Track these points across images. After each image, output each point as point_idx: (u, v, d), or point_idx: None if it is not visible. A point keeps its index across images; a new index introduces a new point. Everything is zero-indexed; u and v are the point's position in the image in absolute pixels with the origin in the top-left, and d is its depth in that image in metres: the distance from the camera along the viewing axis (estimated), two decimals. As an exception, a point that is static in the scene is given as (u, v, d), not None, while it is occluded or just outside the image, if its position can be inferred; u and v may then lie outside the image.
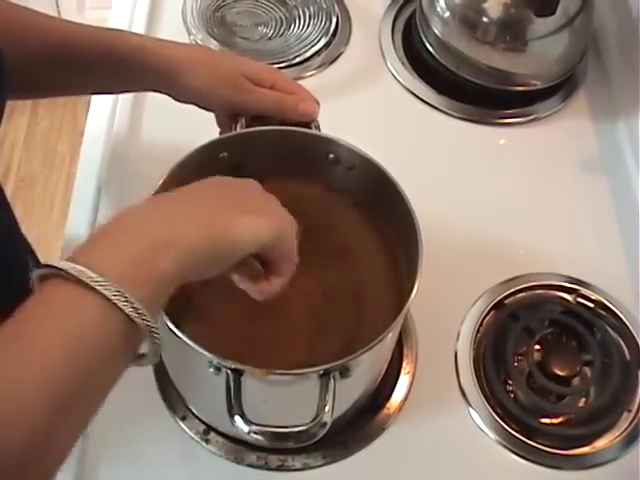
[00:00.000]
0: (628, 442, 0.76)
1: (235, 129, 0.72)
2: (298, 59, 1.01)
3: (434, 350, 0.80)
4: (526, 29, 0.95)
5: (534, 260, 0.87)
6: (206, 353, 0.56)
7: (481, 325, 0.81)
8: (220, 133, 0.76)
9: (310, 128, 0.73)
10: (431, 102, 1.00)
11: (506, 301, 0.83)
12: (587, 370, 0.79)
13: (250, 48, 1.01)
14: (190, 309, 0.68)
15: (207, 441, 0.73)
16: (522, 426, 0.75)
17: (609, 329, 0.82)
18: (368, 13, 1.09)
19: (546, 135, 0.99)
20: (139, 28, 1.01)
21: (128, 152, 0.91)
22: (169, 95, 0.75)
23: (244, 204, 0.55)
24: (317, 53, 1.03)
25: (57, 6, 2.15)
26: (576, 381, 0.78)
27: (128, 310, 0.43)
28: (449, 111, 0.99)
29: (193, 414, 0.74)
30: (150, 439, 0.73)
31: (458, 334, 0.81)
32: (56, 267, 0.43)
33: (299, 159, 0.72)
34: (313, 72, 1.01)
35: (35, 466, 0.41)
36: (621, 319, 0.82)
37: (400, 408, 0.76)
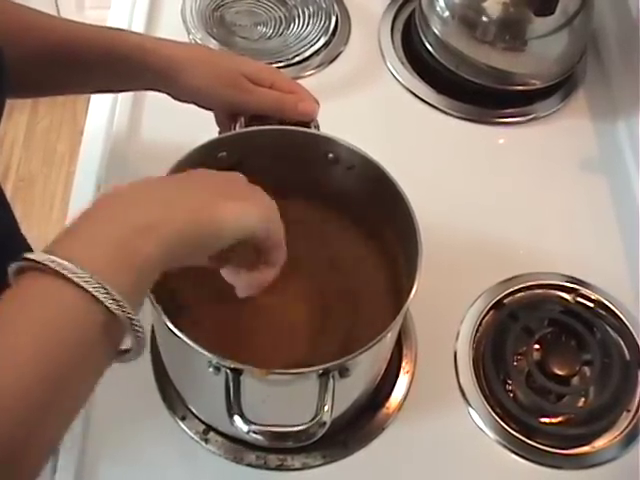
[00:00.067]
0: (628, 442, 0.76)
1: (234, 128, 0.72)
2: (297, 58, 1.01)
3: (433, 350, 0.80)
4: (525, 29, 0.95)
5: (533, 260, 0.87)
6: (206, 353, 0.56)
7: (480, 325, 0.81)
8: (219, 132, 0.76)
9: (309, 127, 0.73)
10: (430, 102, 1.00)
11: (505, 301, 0.83)
12: (587, 370, 0.79)
13: (249, 47, 1.01)
14: (189, 309, 0.68)
15: (207, 441, 0.73)
16: (522, 426, 0.76)
17: (609, 329, 0.82)
18: (367, 12, 1.09)
19: (545, 135, 0.99)
20: (138, 27, 1.01)
21: (128, 151, 0.91)
22: (168, 94, 0.75)
23: (228, 191, 0.54)
24: (316, 52, 1.03)
25: (56, 6, 2.15)
26: (576, 381, 0.78)
27: (108, 302, 0.42)
28: (448, 110, 0.99)
29: (193, 414, 0.74)
30: (150, 439, 0.73)
31: (457, 334, 0.81)
32: (32, 259, 0.42)
33: (298, 159, 0.72)
34: (312, 71, 1.01)
35: (17, 461, 0.40)
36: (621, 319, 0.82)
37: (399, 408, 0.76)
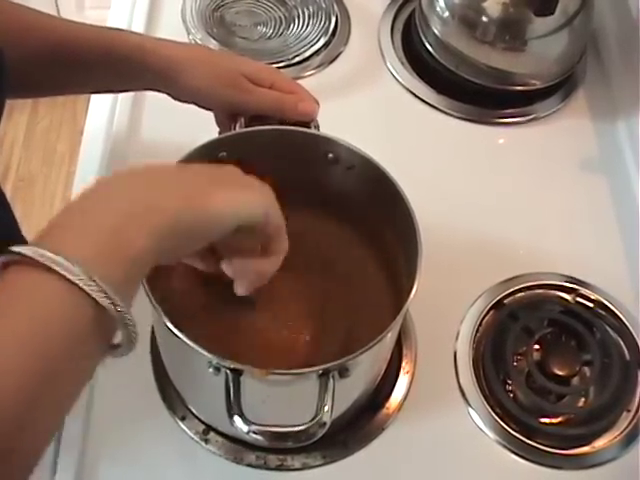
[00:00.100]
0: (627, 442, 0.76)
1: (234, 129, 0.72)
2: (297, 59, 1.01)
3: (433, 350, 0.80)
4: (525, 29, 0.95)
5: (533, 260, 0.87)
6: (205, 353, 0.56)
7: (480, 325, 0.81)
8: (219, 133, 0.76)
9: (309, 128, 0.73)
10: (430, 102, 1.00)
11: (505, 301, 0.83)
12: (586, 370, 0.79)
13: (249, 48, 1.01)
14: (189, 309, 0.68)
15: (206, 441, 0.73)
16: (521, 426, 0.75)
17: (608, 329, 0.82)
18: (367, 13, 1.09)
19: (545, 135, 0.99)
20: (138, 28, 1.01)
21: (128, 151, 0.91)
22: (168, 94, 0.75)
23: (224, 180, 0.53)
24: (316, 53, 1.03)
25: (56, 6, 2.15)
26: (575, 381, 0.78)
27: (97, 295, 0.41)
28: (448, 111, 0.99)
29: (192, 414, 0.74)
30: (150, 439, 0.73)
31: (457, 334, 0.81)
32: (19, 253, 0.41)
33: (298, 159, 0.72)
34: (312, 72, 1.01)
35: (8, 459, 0.40)
36: (620, 319, 0.82)
37: (399, 408, 0.76)
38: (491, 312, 0.82)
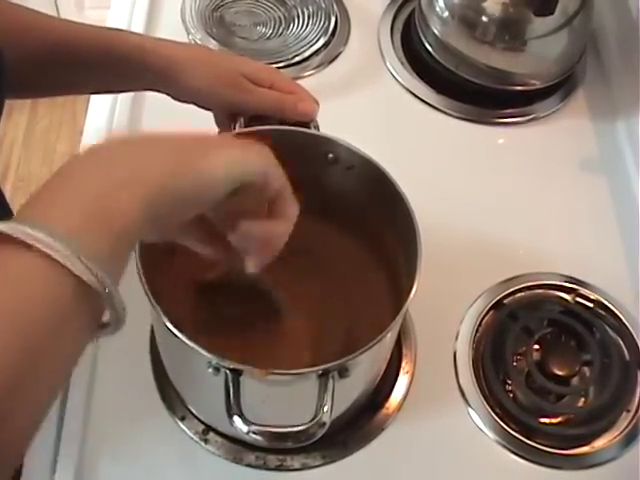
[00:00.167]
0: (627, 442, 0.76)
1: (234, 129, 0.72)
2: (297, 59, 1.01)
3: (433, 350, 0.80)
4: (525, 29, 0.95)
5: (533, 260, 0.87)
6: (205, 353, 0.56)
7: (480, 325, 0.81)
8: (219, 133, 0.76)
9: (309, 128, 0.73)
10: (430, 102, 1.00)
11: (505, 301, 0.83)
12: (586, 370, 0.79)
13: (249, 48, 1.01)
14: (189, 309, 0.68)
15: (206, 441, 0.73)
16: (521, 426, 0.75)
17: (608, 329, 0.82)
18: (367, 13, 1.09)
19: (545, 135, 0.99)
20: (138, 28, 1.01)
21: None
22: (168, 94, 0.75)
23: (216, 143, 0.51)
24: (316, 53, 1.03)
25: (56, 6, 2.15)
26: (575, 381, 0.78)
27: (79, 271, 0.39)
28: (448, 111, 0.99)
29: (192, 414, 0.74)
30: (149, 439, 0.73)
31: (457, 334, 0.81)
32: None
33: (298, 159, 0.72)
34: (312, 72, 1.01)
35: None
36: (620, 319, 0.82)
37: (399, 408, 0.76)
38: (491, 312, 0.82)
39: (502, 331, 0.80)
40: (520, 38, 0.96)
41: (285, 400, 0.66)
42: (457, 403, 0.77)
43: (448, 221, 0.87)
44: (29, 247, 0.38)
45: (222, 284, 0.72)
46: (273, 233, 0.55)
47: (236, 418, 0.57)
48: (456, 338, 0.80)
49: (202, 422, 0.73)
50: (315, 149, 0.71)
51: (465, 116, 0.99)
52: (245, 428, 0.57)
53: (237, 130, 0.72)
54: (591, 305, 0.83)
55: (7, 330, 0.38)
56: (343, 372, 0.59)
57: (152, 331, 0.76)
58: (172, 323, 0.57)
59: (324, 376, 0.58)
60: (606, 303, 0.83)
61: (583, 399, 0.78)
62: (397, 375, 0.77)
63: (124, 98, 0.94)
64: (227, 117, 0.74)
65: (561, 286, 0.84)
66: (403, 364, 0.78)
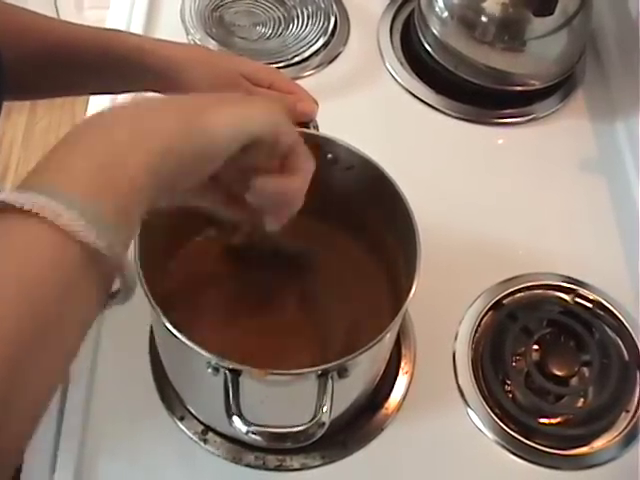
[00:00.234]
0: (626, 442, 0.76)
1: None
2: (296, 59, 1.01)
3: (432, 350, 0.80)
4: (524, 29, 0.95)
5: (532, 260, 0.87)
6: (204, 353, 0.56)
7: (479, 325, 0.81)
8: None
9: (308, 128, 0.73)
10: (429, 102, 1.00)
11: (504, 301, 0.83)
12: (585, 370, 0.79)
13: (248, 48, 1.01)
14: (189, 309, 0.68)
15: (205, 441, 0.73)
16: (520, 426, 0.75)
17: (607, 329, 0.82)
18: (366, 13, 1.09)
19: (544, 135, 0.99)
20: (137, 28, 1.00)
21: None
22: (167, 95, 0.74)
23: (225, 100, 0.50)
24: (315, 53, 1.03)
25: (55, 6, 2.15)
26: (574, 381, 0.78)
27: (89, 237, 0.38)
28: (447, 111, 0.99)
29: (191, 414, 0.74)
30: (148, 439, 0.73)
31: (456, 334, 0.81)
32: (1, 201, 0.38)
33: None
34: (311, 72, 1.01)
35: None
36: (619, 319, 0.82)
37: (398, 408, 0.76)
38: (490, 312, 0.82)
39: (501, 331, 0.80)
40: (519, 38, 0.96)
41: (284, 400, 0.66)
42: (456, 403, 0.77)
43: (447, 221, 0.87)
44: (36, 215, 0.38)
45: (222, 283, 0.72)
46: (288, 188, 0.54)
47: (235, 418, 0.57)
48: (455, 338, 0.80)
49: (201, 422, 0.73)
50: (314, 149, 0.71)
51: (464, 116, 0.99)
52: (244, 428, 0.57)
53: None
54: (590, 305, 0.83)
55: (15, 297, 0.37)
56: (342, 372, 0.59)
57: (151, 331, 0.76)
58: (171, 323, 0.57)
59: (323, 376, 0.58)
60: (605, 303, 0.83)
61: (582, 399, 0.78)
62: (396, 375, 0.77)
63: (123, 98, 0.93)
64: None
65: (560, 286, 0.84)
66: (402, 364, 0.78)
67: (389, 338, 0.67)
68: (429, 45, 1.01)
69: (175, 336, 0.57)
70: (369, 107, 0.99)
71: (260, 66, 0.77)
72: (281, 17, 1.05)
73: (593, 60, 1.06)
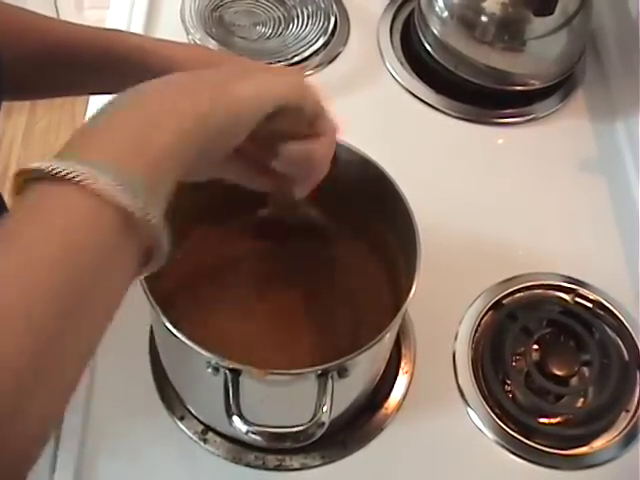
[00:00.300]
0: (626, 442, 0.76)
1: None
2: (296, 59, 1.01)
3: (432, 350, 0.80)
4: (524, 29, 0.95)
5: (532, 260, 0.87)
6: (204, 353, 0.56)
7: (479, 325, 0.81)
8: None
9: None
10: (429, 102, 1.00)
11: (504, 301, 0.83)
12: (585, 370, 0.79)
13: (248, 47, 1.01)
14: (188, 309, 0.68)
15: (205, 441, 0.73)
16: (520, 426, 0.75)
17: (607, 329, 0.82)
18: (366, 13, 1.09)
19: (544, 135, 0.99)
20: (137, 28, 1.01)
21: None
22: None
23: (245, 69, 0.52)
24: (315, 53, 1.03)
25: (55, 6, 2.15)
26: (574, 381, 0.78)
27: (124, 201, 0.39)
28: (447, 111, 0.99)
29: (191, 414, 0.74)
30: (148, 439, 0.73)
31: (456, 334, 0.81)
32: (35, 169, 0.39)
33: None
34: (311, 72, 1.01)
35: (21, 415, 0.35)
36: (619, 319, 0.82)
37: (398, 408, 0.76)
38: (490, 312, 0.82)
39: (501, 331, 0.80)
40: (519, 38, 0.96)
41: (284, 400, 0.66)
42: (456, 403, 0.77)
43: (447, 221, 0.87)
44: (71, 180, 0.38)
45: (222, 283, 0.72)
46: (315, 152, 0.55)
47: (235, 418, 0.57)
48: (455, 338, 0.80)
49: (201, 422, 0.73)
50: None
51: (464, 116, 0.99)
52: (244, 428, 0.57)
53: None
54: (590, 305, 0.83)
55: (57, 261, 0.37)
56: (342, 372, 0.59)
57: (151, 331, 0.76)
58: (171, 323, 0.57)
59: (323, 376, 0.58)
60: (605, 303, 0.83)
61: (582, 399, 0.78)
62: (396, 375, 0.77)
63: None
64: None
65: (560, 286, 0.84)
66: (402, 364, 0.78)
67: (389, 338, 0.67)
68: (429, 45, 1.01)
69: (175, 336, 0.57)
70: (369, 107, 0.99)
71: (261, 66, 0.76)
72: (281, 17, 1.05)
73: (593, 60, 1.06)
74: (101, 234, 0.39)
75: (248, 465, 0.72)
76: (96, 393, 0.74)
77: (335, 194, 0.74)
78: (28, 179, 0.40)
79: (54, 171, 0.39)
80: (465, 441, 0.75)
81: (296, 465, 0.72)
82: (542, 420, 0.76)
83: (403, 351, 0.79)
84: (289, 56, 1.01)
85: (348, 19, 1.08)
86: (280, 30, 1.04)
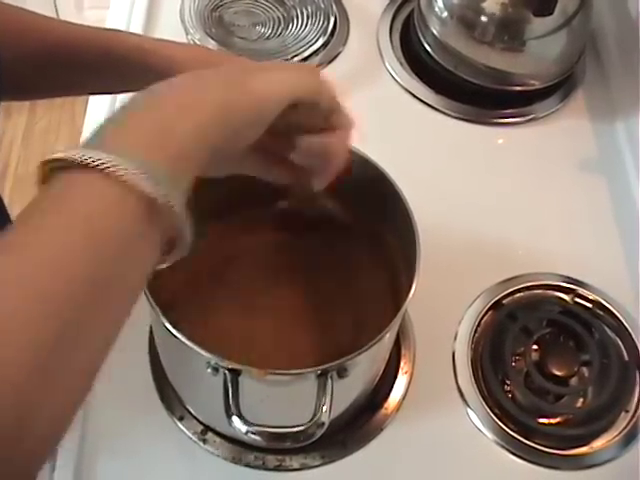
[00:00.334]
0: (626, 442, 0.76)
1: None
2: (296, 59, 1.01)
3: (432, 350, 0.80)
4: (524, 29, 0.95)
5: (532, 260, 0.87)
6: (204, 353, 0.56)
7: (479, 325, 0.81)
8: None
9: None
10: (429, 102, 1.00)
11: (504, 301, 0.83)
12: (585, 370, 0.79)
13: (248, 48, 1.01)
14: (188, 309, 0.68)
15: (205, 441, 0.73)
16: (520, 426, 0.75)
17: (607, 329, 0.82)
18: (366, 13, 1.09)
19: (544, 135, 0.99)
20: (137, 28, 1.01)
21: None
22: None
23: (262, 66, 0.53)
24: (315, 53, 1.03)
25: (55, 6, 2.15)
26: (574, 381, 0.78)
27: (145, 187, 0.39)
28: (447, 111, 0.99)
29: (191, 414, 0.74)
30: (148, 439, 0.73)
31: (456, 334, 0.81)
32: (60, 159, 0.39)
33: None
34: (311, 72, 1.01)
35: (31, 419, 0.35)
36: (619, 319, 0.82)
37: (398, 408, 0.76)
38: (490, 312, 0.82)
39: (501, 331, 0.80)
40: (519, 38, 0.96)
41: (284, 400, 0.66)
42: (456, 403, 0.77)
43: (447, 221, 0.87)
44: (95, 168, 0.39)
45: (222, 283, 0.72)
46: (332, 145, 0.56)
47: (235, 418, 0.57)
48: (455, 338, 0.80)
49: (201, 422, 0.73)
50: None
51: (464, 116, 0.99)
52: (244, 428, 0.57)
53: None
54: (590, 305, 0.83)
55: (82, 249, 0.38)
56: (342, 372, 0.59)
57: (151, 331, 0.76)
58: (171, 323, 0.57)
59: (323, 376, 0.58)
60: (605, 303, 0.83)
61: (582, 399, 0.78)
62: (396, 375, 0.77)
63: (123, 98, 0.93)
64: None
65: (560, 286, 0.84)
66: (402, 364, 0.78)
67: (389, 338, 0.67)
68: (429, 45, 1.01)
69: (175, 336, 0.57)
70: (369, 107, 0.99)
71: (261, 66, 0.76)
72: (281, 17, 1.05)
73: (593, 60, 1.06)
74: (125, 221, 0.40)
75: (248, 465, 0.72)
76: (96, 393, 0.74)
77: (335, 194, 0.74)
78: (54, 168, 0.40)
79: (80, 159, 0.39)
80: (465, 441, 0.75)
81: (296, 465, 0.72)
82: (542, 420, 0.76)
83: (403, 351, 0.79)
84: (289, 56, 1.01)
85: (348, 19, 1.08)
86: (280, 30, 1.04)
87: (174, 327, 0.57)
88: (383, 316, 0.65)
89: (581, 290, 0.84)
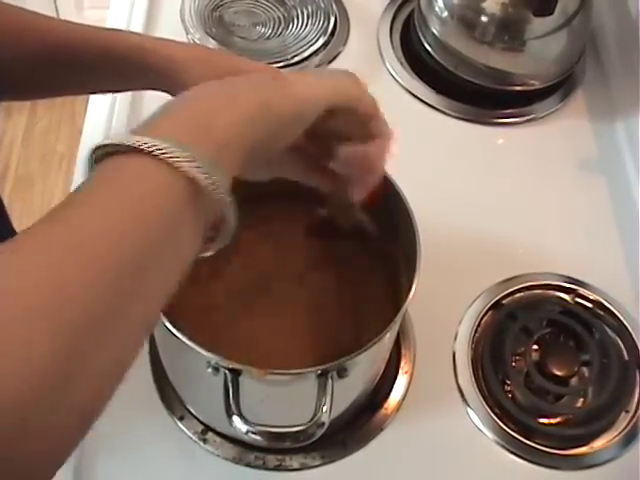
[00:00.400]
0: (626, 442, 0.76)
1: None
2: (296, 59, 1.01)
3: (432, 350, 0.80)
4: (524, 29, 0.95)
5: (532, 260, 0.87)
6: (204, 353, 0.56)
7: (479, 325, 0.81)
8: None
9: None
10: (429, 102, 1.00)
11: (504, 301, 0.83)
12: (585, 370, 0.79)
13: (248, 47, 1.01)
14: (188, 309, 0.68)
15: (205, 441, 0.73)
16: (520, 426, 0.75)
17: (607, 329, 0.82)
18: (366, 13, 1.09)
19: (544, 135, 0.99)
20: (137, 27, 1.01)
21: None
22: (168, 93, 0.74)
23: (298, 73, 0.55)
24: (315, 53, 1.03)
25: (55, 6, 2.15)
26: (574, 381, 0.78)
27: (193, 172, 0.40)
28: (447, 111, 0.99)
29: (191, 414, 0.74)
30: (148, 439, 0.73)
31: (456, 334, 0.81)
32: (108, 144, 0.41)
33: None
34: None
35: (62, 409, 0.36)
36: (619, 319, 0.82)
37: (398, 408, 0.76)
38: (490, 312, 0.82)
39: (501, 331, 0.80)
40: (519, 38, 0.96)
41: (284, 400, 0.66)
42: (456, 403, 0.77)
43: (447, 221, 0.87)
44: (143, 152, 0.40)
45: (222, 283, 0.72)
46: (370, 154, 0.56)
47: (235, 418, 0.57)
48: (455, 338, 0.80)
49: (201, 422, 0.73)
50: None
51: (464, 116, 0.99)
52: (244, 428, 0.57)
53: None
54: (590, 305, 0.83)
55: (130, 223, 0.38)
56: (342, 372, 0.59)
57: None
58: (171, 323, 0.57)
59: (323, 376, 0.58)
60: (605, 303, 0.83)
61: (582, 399, 0.78)
62: (396, 375, 0.77)
63: (123, 98, 0.94)
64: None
65: (560, 286, 0.84)
66: (402, 364, 0.78)
67: (389, 338, 0.67)
68: (429, 45, 1.01)
69: (175, 336, 0.57)
70: (369, 107, 0.99)
71: (261, 66, 0.76)
72: (281, 17, 1.05)
73: (593, 60, 1.06)
74: (173, 204, 0.40)
75: (248, 465, 0.72)
76: (96, 393, 0.74)
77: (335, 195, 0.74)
78: (103, 154, 0.41)
79: (129, 143, 0.40)
80: (465, 441, 0.75)
81: (296, 465, 0.72)
82: (542, 420, 0.76)
83: (403, 351, 0.79)
84: (289, 56, 1.01)
85: (348, 19, 1.08)
86: (280, 30, 1.04)
87: (174, 327, 0.57)
88: (383, 316, 0.65)
89: (581, 290, 0.84)
